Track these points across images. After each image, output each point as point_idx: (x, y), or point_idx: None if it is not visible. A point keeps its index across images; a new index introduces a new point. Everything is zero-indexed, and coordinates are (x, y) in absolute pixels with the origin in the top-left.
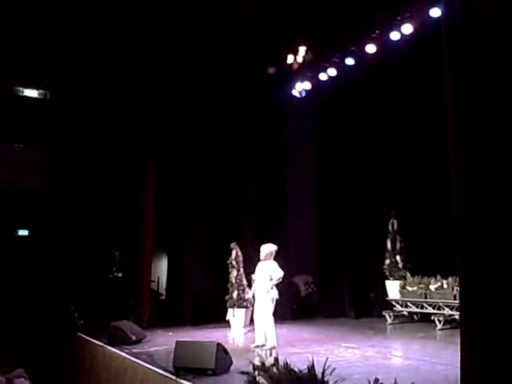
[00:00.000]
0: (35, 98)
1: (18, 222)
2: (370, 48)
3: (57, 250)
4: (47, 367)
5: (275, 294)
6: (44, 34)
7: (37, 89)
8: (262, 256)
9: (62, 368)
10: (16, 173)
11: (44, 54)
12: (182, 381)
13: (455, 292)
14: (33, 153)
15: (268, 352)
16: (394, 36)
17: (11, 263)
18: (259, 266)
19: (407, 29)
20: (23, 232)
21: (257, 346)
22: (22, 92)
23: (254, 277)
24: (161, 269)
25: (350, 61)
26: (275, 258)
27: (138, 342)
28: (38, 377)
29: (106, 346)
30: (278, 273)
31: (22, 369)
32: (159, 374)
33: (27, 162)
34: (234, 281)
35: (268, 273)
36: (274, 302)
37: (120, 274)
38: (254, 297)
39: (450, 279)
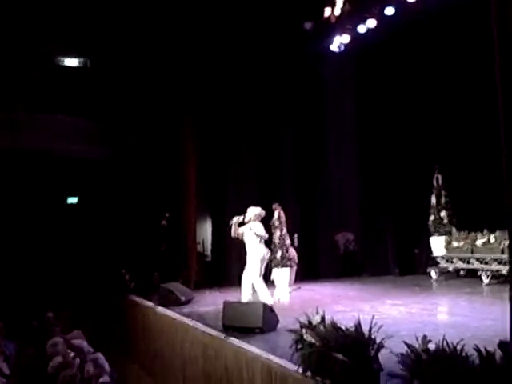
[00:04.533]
0: (76, 67)
1: (67, 189)
2: None
3: (105, 216)
4: (102, 328)
5: (263, 252)
6: (81, 2)
7: (77, 57)
8: (247, 217)
9: (116, 329)
10: (61, 141)
11: (83, 22)
12: (231, 339)
13: (502, 246)
14: (76, 121)
15: (314, 311)
16: None
17: (63, 230)
18: (245, 228)
19: None
20: (72, 199)
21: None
22: (63, 62)
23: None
24: (205, 231)
25: (389, 10)
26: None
27: (187, 302)
28: (94, 337)
29: (157, 307)
30: (262, 232)
31: (78, 330)
32: (209, 333)
33: (71, 131)
34: (277, 241)
35: (254, 232)
36: (264, 262)
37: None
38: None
39: (497, 233)
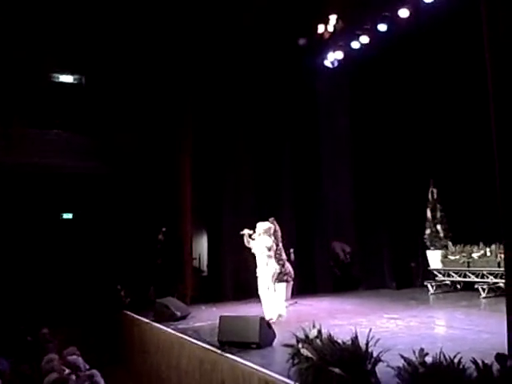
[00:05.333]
0: (71, 83)
1: (61, 205)
2: (403, 12)
3: (100, 232)
4: (98, 344)
5: (275, 267)
6: (77, 19)
7: (72, 74)
8: (257, 232)
9: (112, 345)
10: (57, 157)
11: (78, 39)
12: (227, 355)
13: (499, 259)
14: (71, 136)
15: (311, 325)
16: None
17: (58, 245)
18: (256, 243)
19: None
20: (67, 215)
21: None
22: (58, 78)
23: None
24: (202, 246)
25: (382, 27)
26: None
27: (183, 318)
28: (89, 354)
29: (152, 322)
30: (271, 244)
31: (74, 346)
32: (205, 348)
33: (66, 146)
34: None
35: (264, 246)
36: (275, 275)
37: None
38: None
39: (493, 246)
